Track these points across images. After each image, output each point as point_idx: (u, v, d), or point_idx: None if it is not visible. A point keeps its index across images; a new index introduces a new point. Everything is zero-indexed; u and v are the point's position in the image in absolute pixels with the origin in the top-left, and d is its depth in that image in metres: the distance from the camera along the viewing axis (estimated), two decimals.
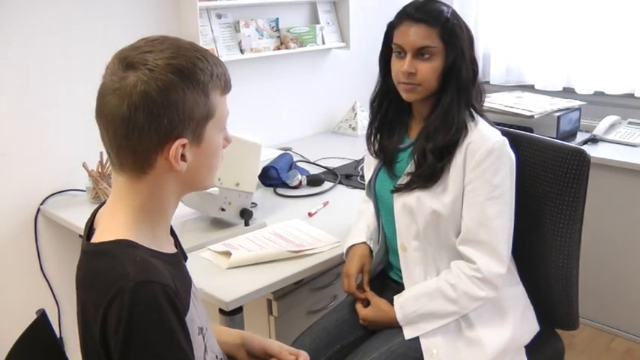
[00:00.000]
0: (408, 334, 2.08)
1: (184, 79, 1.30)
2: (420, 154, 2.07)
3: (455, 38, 2.02)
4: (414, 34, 2.04)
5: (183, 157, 1.35)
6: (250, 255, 2.29)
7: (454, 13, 2.08)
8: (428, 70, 2.04)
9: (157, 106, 1.28)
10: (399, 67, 2.09)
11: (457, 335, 2.07)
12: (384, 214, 2.26)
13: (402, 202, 2.11)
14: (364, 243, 2.29)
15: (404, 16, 2.09)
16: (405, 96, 2.12)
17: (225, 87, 1.42)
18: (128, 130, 1.29)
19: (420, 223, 2.08)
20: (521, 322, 2.14)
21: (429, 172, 2.04)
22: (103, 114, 1.32)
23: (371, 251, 2.28)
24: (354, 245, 2.29)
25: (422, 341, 2.06)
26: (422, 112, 2.15)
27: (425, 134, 2.08)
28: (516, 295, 2.17)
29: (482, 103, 2.15)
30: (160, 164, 1.34)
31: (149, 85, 1.27)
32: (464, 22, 2.09)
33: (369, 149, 2.29)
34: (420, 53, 2.04)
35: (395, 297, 2.13)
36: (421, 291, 2.08)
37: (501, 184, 2.01)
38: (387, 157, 2.23)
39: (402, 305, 2.10)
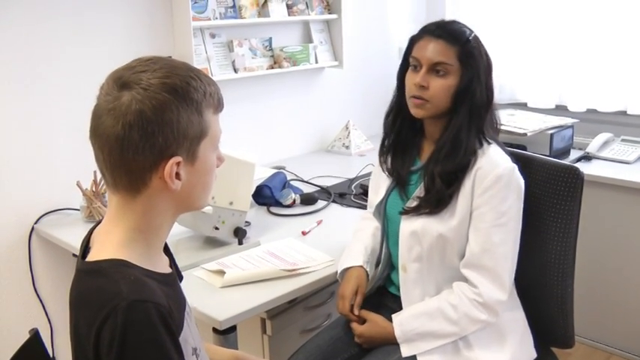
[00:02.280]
0: (406, 351, 2.07)
1: (178, 98, 1.31)
2: (429, 178, 2.07)
3: (472, 60, 2.03)
4: (431, 49, 2.05)
5: (177, 176, 1.35)
6: (244, 274, 2.29)
7: (476, 37, 2.09)
8: (440, 87, 2.04)
9: (152, 124, 1.28)
10: (413, 79, 2.08)
11: (455, 355, 2.06)
12: (391, 234, 2.25)
13: (407, 226, 2.11)
14: (360, 266, 2.26)
15: (425, 31, 2.10)
16: (413, 111, 2.11)
17: (218, 106, 1.43)
18: (123, 149, 1.29)
19: (425, 246, 2.07)
20: (519, 346, 2.13)
21: (438, 198, 2.05)
22: (97, 134, 1.32)
23: (367, 274, 2.26)
24: (350, 267, 2.27)
25: None
26: (433, 134, 2.15)
27: (434, 158, 2.08)
28: (516, 318, 2.16)
29: (496, 133, 2.15)
30: (155, 183, 1.34)
31: (144, 104, 1.28)
32: (484, 49, 2.10)
33: (381, 166, 2.29)
34: (435, 69, 2.05)
35: (393, 315, 2.13)
36: (421, 310, 2.08)
37: (508, 211, 2.01)
38: (399, 179, 2.22)
39: (402, 323, 2.09)
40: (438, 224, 2.04)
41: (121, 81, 1.31)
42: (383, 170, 2.28)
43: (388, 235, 2.28)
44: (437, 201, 2.05)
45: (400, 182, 2.22)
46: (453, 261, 2.08)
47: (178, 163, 1.33)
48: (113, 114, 1.28)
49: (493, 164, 2.01)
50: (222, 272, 2.29)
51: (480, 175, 2.01)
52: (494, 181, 1.99)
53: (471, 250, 2.03)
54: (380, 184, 2.32)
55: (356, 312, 2.19)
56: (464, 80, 2.03)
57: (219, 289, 2.24)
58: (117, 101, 1.28)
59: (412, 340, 2.07)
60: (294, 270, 2.32)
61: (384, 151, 2.28)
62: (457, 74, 2.04)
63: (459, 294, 2.04)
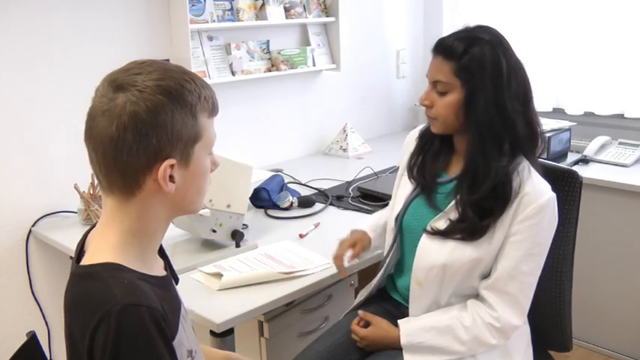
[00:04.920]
0: (409, 359, 2.06)
1: (173, 100, 1.32)
2: (461, 206, 1.99)
3: (469, 74, 1.94)
4: (433, 67, 2.02)
5: (171, 179, 1.35)
6: (241, 276, 2.29)
7: (481, 48, 1.95)
8: (442, 105, 2.00)
9: (146, 126, 1.29)
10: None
11: None
12: (407, 243, 2.19)
13: (432, 247, 2.04)
14: (364, 232, 2.38)
15: (433, 46, 2.05)
16: (432, 128, 2.09)
17: (213, 110, 1.43)
18: (117, 150, 1.29)
19: (452, 270, 2.01)
20: (523, 358, 2.12)
21: (472, 228, 1.97)
22: (92, 135, 1.33)
23: (370, 239, 2.37)
24: (357, 230, 2.40)
25: None
26: (461, 149, 2.08)
27: (460, 185, 2.02)
28: (522, 332, 2.14)
29: (536, 152, 2.04)
30: (149, 186, 1.34)
31: (138, 105, 1.28)
32: (494, 58, 1.94)
33: (408, 173, 2.22)
34: (436, 87, 2.01)
35: (400, 321, 2.11)
36: (431, 324, 2.04)
37: (543, 242, 1.97)
38: (424, 185, 2.15)
39: (409, 333, 2.06)
40: (472, 250, 1.97)
41: (115, 83, 1.32)
42: (410, 177, 2.21)
43: (404, 243, 2.22)
44: (470, 230, 1.97)
45: (425, 189, 2.15)
46: (474, 281, 2.03)
47: (172, 166, 1.34)
48: (108, 115, 1.29)
49: (538, 192, 1.94)
50: (219, 275, 2.29)
51: (525, 202, 1.93)
52: (537, 210, 1.92)
53: (497, 274, 1.98)
54: (399, 193, 2.27)
55: (345, 263, 2.30)
56: (465, 96, 1.96)
57: (216, 292, 2.23)
58: (111, 103, 1.29)
59: (417, 351, 2.05)
60: (291, 272, 2.32)
61: (413, 159, 2.21)
62: (458, 90, 1.96)
63: (473, 315, 2.00)
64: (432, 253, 2.04)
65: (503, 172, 1.94)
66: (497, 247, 1.97)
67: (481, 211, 1.95)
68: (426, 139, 2.19)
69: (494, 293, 1.99)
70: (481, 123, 1.94)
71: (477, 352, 2.02)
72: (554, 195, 1.96)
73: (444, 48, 1.99)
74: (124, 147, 1.29)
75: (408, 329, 2.07)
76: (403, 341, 2.06)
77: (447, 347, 2.01)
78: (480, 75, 1.93)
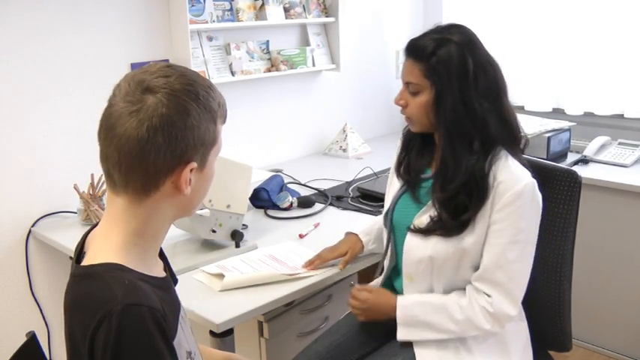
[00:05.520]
0: (402, 334, 2.06)
1: (200, 105, 1.35)
2: (438, 204, 2.02)
3: (436, 76, 1.98)
4: (405, 68, 2.07)
5: (189, 181, 1.37)
6: (244, 277, 2.28)
7: (450, 50, 1.98)
8: (414, 105, 2.04)
9: (176, 129, 1.31)
10: None
11: (455, 358, 2.06)
12: (399, 242, 2.20)
13: (416, 242, 2.06)
14: (357, 235, 2.43)
15: (405, 47, 2.09)
16: (410, 127, 2.14)
17: (225, 117, 1.47)
18: (144, 151, 1.30)
19: (438, 263, 2.03)
20: (521, 357, 2.12)
21: (448, 226, 1.99)
22: (114, 135, 1.31)
23: (362, 243, 2.42)
24: (348, 233, 2.47)
25: None
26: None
27: (436, 182, 2.05)
28: (519, 329, 2.14)
29: (517, 147, 2.06)
30: (166, 187, 1.36)
31: (169, 108, 1.30)
32: (461, 59, 1.98)
33: (396, 171, 2.25)
34: (408, 87, 2.05)
35: (399, 296, 2.11)
36: (428, 300, 2.06)
37: (526, 228, 1.97)
38: (409, 182, 2.19)
39: (405, 306, 2.07)
40: (454, 243, 1.99)
41: (144, 84, 1.32)
42: (397, 175, 2.25)
43: (396, 242, 2.23)
44: (448, 228, 1.99)
45: (410, 185, 2.18)
46: (466, 273, 2.03)
47: (192, 169, 1.36)
48: (137, 116, 1.29)
49: (514, 180, 1.94)
50: (221, 276, 2.28)
51: (500, 190, 1.94)
52: (514, 197, 1.92)
53: (484, 265, 1.98)
54: (390, 192, 2.29)
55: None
56: (434, 96, 2.00)
57: (216, 292, 2.23)
58: (141, 104, 1.30)
59: (411, 325, 2.05)
60: (295, 274, 2.31)
61: (400, 156, 2.25)
62: (428, 91, 2.01)
63: (470, 298, 2.01)
64: (419, 247, 2.06)
65: (473, 169, 1.96)
66: (481, 238, 1.98)
67: (456, 208, 1.98)
68: (409, 137, 2.23)
69: (484, 283, 2.00)
70: (449, 122, 1.98)
71: (469, 334, 2.02)
72: (533, 181, 1.97)
73: (413, 49, 2.04)
74: (153, 148, 1.30)
75: (404, 303, 2.08)
76: (398, 313, 2.07)
77: (439, 324, 2.02)
78: (447, 76, 1.97)
